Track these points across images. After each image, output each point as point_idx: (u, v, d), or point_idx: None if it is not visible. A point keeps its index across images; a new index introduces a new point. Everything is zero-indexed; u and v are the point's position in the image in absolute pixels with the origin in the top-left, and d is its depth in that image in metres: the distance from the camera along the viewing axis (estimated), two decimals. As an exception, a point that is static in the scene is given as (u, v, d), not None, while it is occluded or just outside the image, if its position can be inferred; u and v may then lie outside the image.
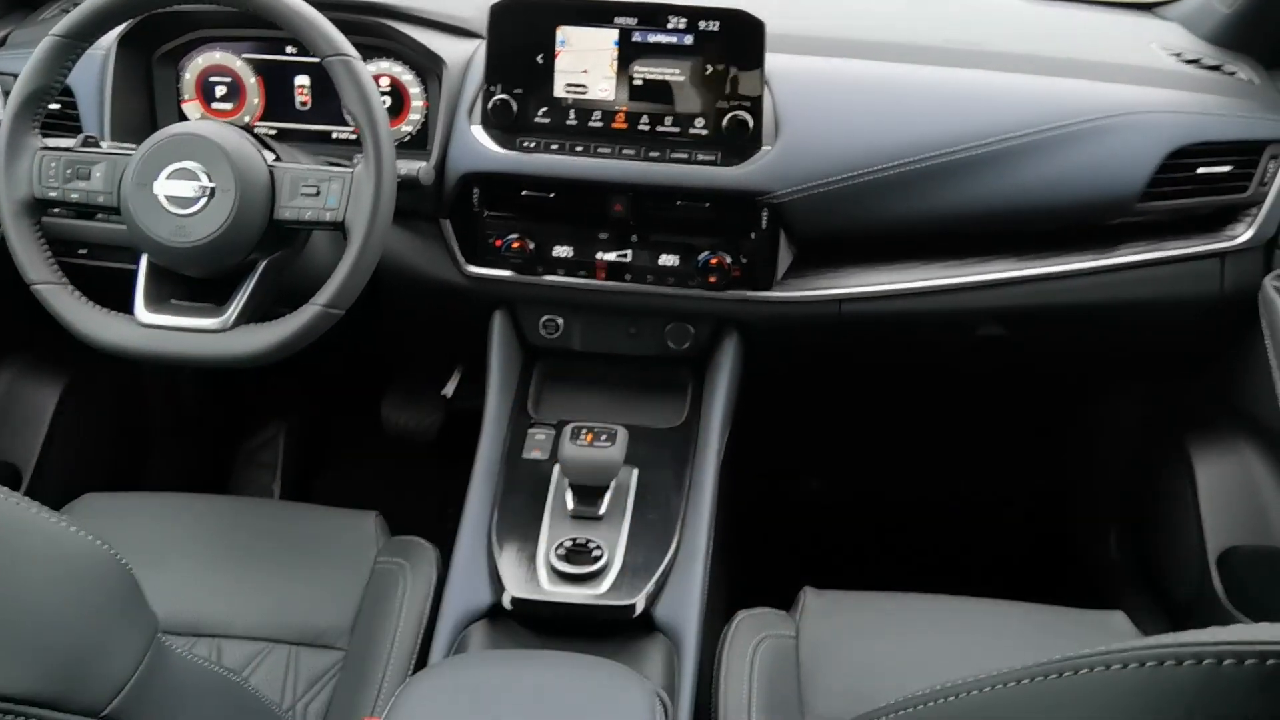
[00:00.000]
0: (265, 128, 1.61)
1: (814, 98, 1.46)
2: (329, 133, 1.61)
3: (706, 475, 1.42)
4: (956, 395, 1.99)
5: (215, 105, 1.61)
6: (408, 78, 1.57)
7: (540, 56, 1.44)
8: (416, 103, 1.58)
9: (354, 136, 1.61)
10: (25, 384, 1.71)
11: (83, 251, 1.56)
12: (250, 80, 1.59)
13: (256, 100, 1.60)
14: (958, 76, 1.50)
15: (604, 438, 1.33)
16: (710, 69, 1.41)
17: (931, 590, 1.30)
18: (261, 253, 1.30)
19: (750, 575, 1.66)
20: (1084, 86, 1.49)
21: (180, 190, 1.24)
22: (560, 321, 1.59)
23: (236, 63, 1.59)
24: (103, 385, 1.81)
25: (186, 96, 1.60)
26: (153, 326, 1.28)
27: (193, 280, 1.31)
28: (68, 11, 1.59)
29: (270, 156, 1.29)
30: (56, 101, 1.34)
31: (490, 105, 1.44)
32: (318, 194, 1.26)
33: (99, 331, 1.27)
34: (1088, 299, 1.49)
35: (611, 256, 1.49)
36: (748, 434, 1.55)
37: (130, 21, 1.49)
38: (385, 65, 1.56)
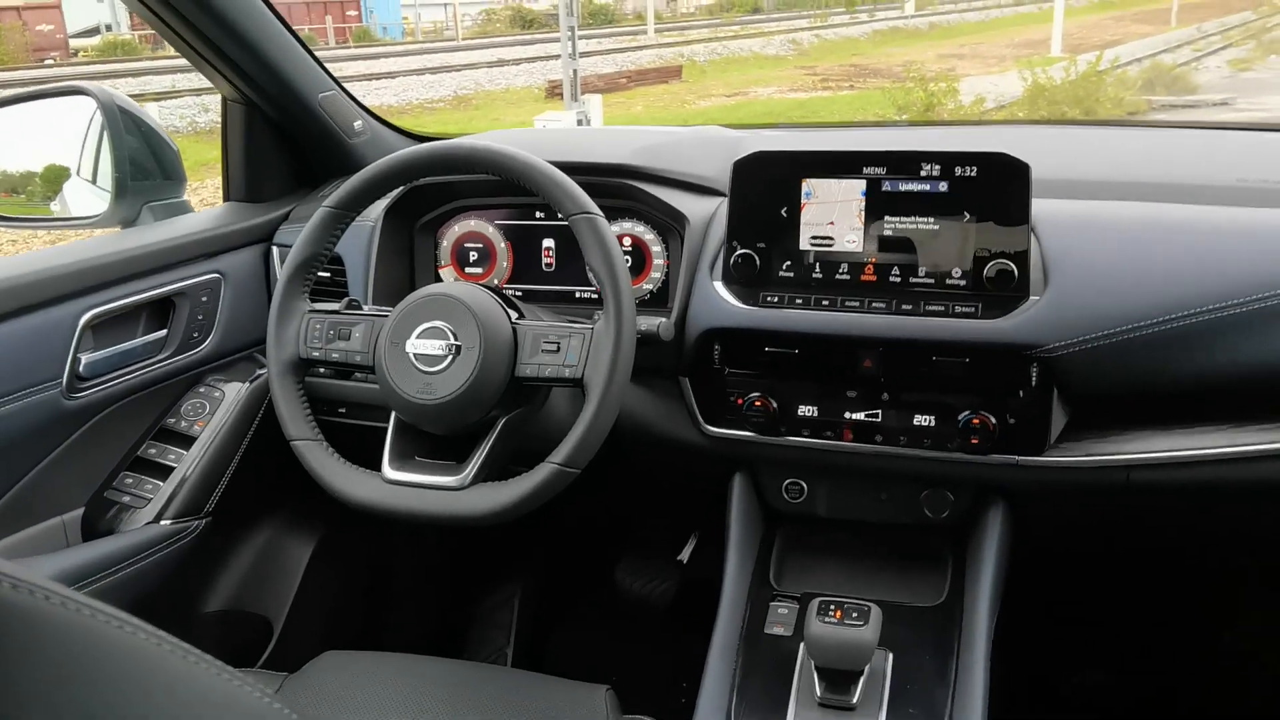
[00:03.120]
0: (513, 289, 1.64)
1: (1086, 244, 1.32)
2: (572, 292, 1.63)
3: (976, 664, 1.25)
4: (1268, 581, 1.69)
5: (468, 270, 1.66)
6: (649, 236, 1.57)
7: (785, 210, 1.39)
8: (658, 260, 1.57)
9: (596, 295, 1.62)
10: (283, 540, 1.78)
11: (342, 410, 1.62)
12: (500, 245, 1.65)
13: (505, 263, 1.65)
14: (1253, 217, 1.32)
15: (855, 615, 1.20)
16: (968, 217, 1.31)
17: None
18: (502, 410, 1.29)
19: None
20: None
21: (429, 348, 1.26)
22: (805, 485, 1.48)
23: (489, 229, 1.65)
24: (352, 543, 1.86)
25: (443, 262, 1.67)
26: (397, 483, 1.28)
27: (437, 437, 1.32)
28: None
29: (514, 315, 1.30)
30: (327, 270, 1.42)
31: (733, 261, 1.40)
32: (558, 350, 1.25)
33: (347, 487, 1.29)
34: None
35: (860, 416, 1.39)
36: (1019, 617, 1.35)
37: (396, 193, 1.58)
38: (627, 225, 1.58)
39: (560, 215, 1.27)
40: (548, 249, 1.63)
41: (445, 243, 1.67)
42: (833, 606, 1.22)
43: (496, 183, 1.55)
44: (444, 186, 1.61)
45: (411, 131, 1.95)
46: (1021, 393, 1.31)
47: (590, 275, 1.59)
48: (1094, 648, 1.93)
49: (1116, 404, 1.31)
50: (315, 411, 1.36)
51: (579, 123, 9.40)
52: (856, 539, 1.48)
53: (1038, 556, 1.41)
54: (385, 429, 1.42)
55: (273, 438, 1.42)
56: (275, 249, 1.75)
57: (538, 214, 1.63)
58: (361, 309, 1.39)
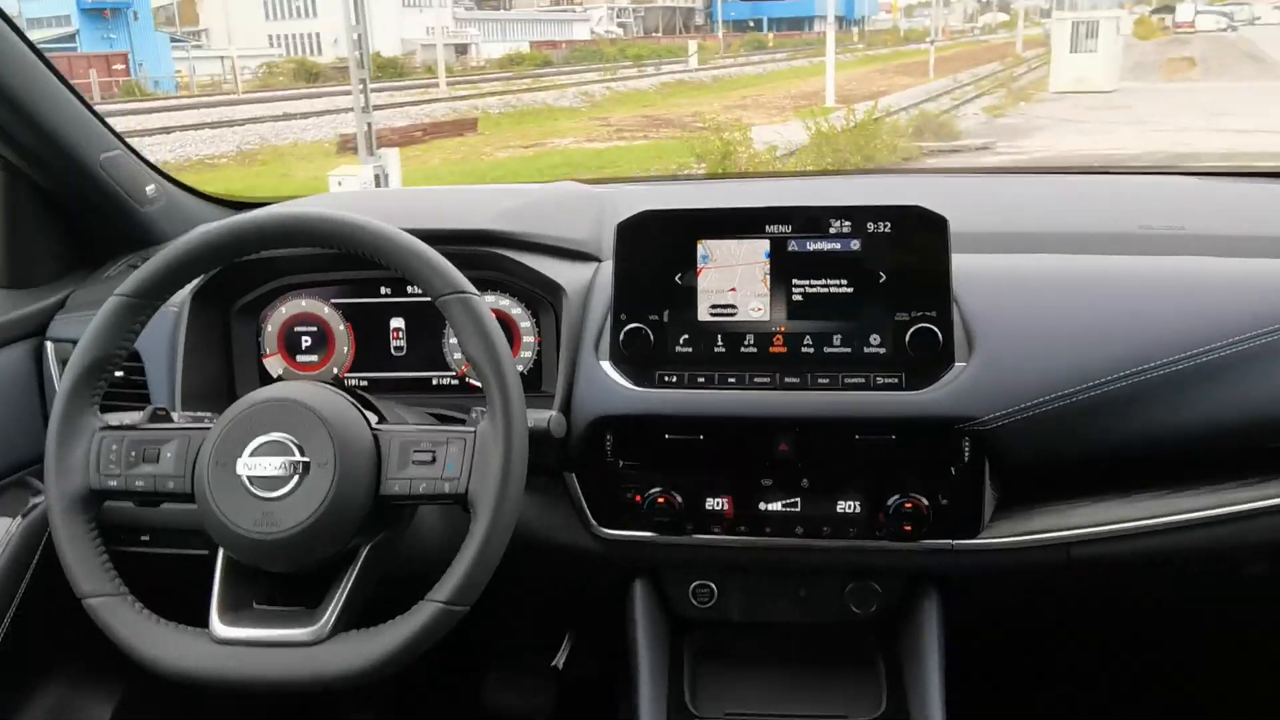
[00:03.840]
0: (356, 379, 1.40)
1: (1010, 301, 1.22)
2: (429, 379, 1.40)
3: None
4: (1216, 656, 1.62)
5: (300, 358, 1.40)
6: (516, 311, 1.37)
7: (679, 276, 1.23)
8: (527, 339, 1.37)
9: (457, 381, 1.39)
10: (75, 701, 1.43)
11: (144, 539, 1.32)
12: (339, 327, 1.40)
13: (346, 349, 1.40)
14: (1178, 266, 1.26)
15: None
16: (884, 277, 1.19)
17: None
18: (364, 537, 1.05)
19: None
20: None
21: (267, 468, 1.01)
22: (714, 587, 1.31)
23: (324, 309, 1.40)
24: (166, 700, 1.53)
25: (268, 351, 1.40)
26: (231, 642, 1.01)
27: (280, 577, 1.06)
28: (135, 267, 1.43)
29: (373, 418, 1.07)
30: (120, 368, 1.13)
31: (621, 337, 1.22)
32: (433, 461, 1.02)
33: (166, 654, 1.01)
34: None
35: (778, 506, 1.22)
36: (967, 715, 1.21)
37: (206, 275, 1.31)
38: (490, 299, 1.37)
39: (426, 295, 1.05)
40: (396, 330, 1.40)
41: (270, 328, 1.40)
42: None
43: (331, 255, 1.31)
44: (265, 262, 1.35)
45: (218, 197, 1.67)
46: (953, 470, 1.19)
47: (454, 363, 1.37)
48: None
49: (1051, 475, 1.21)
50: (109, 542, 1.07)
51: (376, 178, 9.03)
52: (775, 644, 1.32)
53: (971, 645, 1.28)
54: (203, 558, 1.15)
55: (57, 580, 1.11)
56: (50, 345, 1.43)
57: (382, 290, 1.39)
58: (170, 419, 1.11)
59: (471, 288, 1.04)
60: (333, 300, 1.40)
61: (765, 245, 1.21)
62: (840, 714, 1.21)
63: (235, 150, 14.47)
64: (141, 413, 1.11)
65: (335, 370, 1.40)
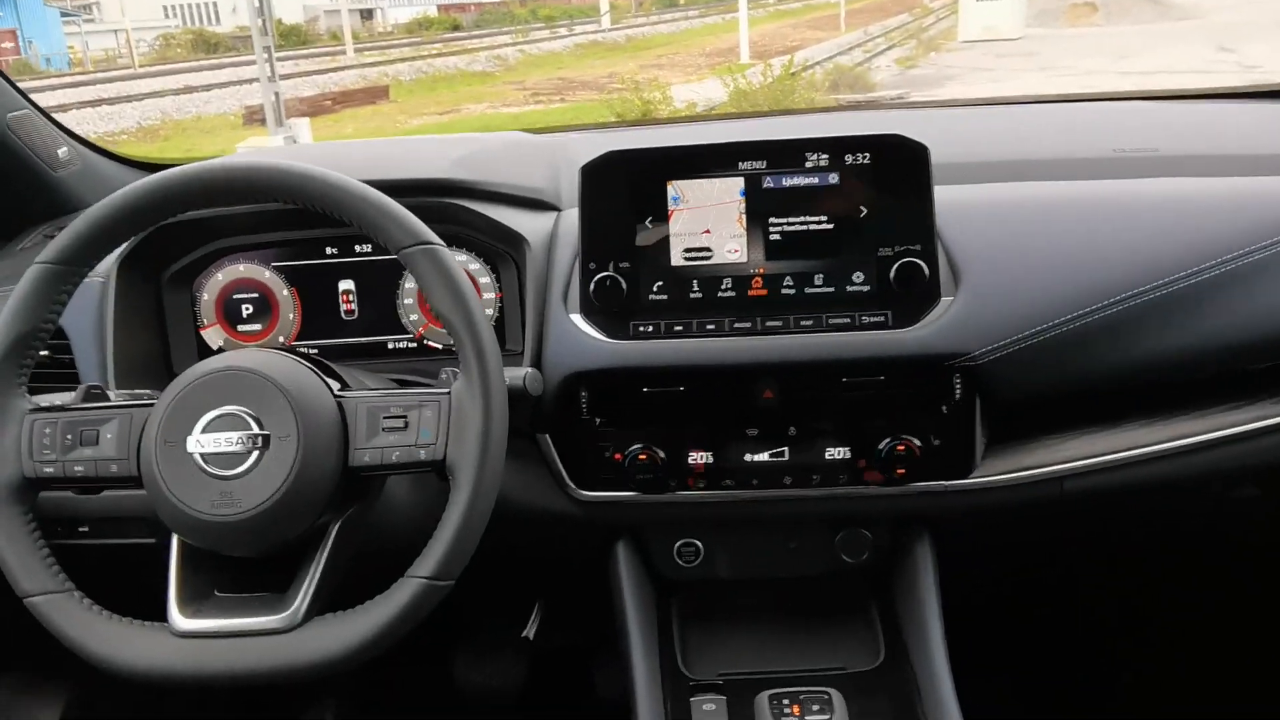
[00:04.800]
0: (305, 347, 1.30)
1: (994, 232, 1.18)
2: (383, 344, 1.31)
3: None
4: (1206, 588, 1.60)
5: (242, 328, 1.30)
6: (474, 266, 1.28)
7: (649, 220, 1.16)
8: (487, 295, 1.29)
9: (414, 344, 1.31)
10: (18, 709, 1.33)
11: (83, 530, 1.22)
12: (283, 293, 1.30)
13: (292, 316, 1.30)
14: (1162, 189, 1.23)
15: (816, 708, 0.98)
16: (864, 211, 1.13)
17: None
18: (333, 514, 0.97)
19: None
20: None
21: (223, 444, 0.92)
22: (700, 545, 1.25)
23: (265, 274, 1.30)
24: (116, 700, 1.43)
25: (205, 321, 1.30)
26: (194, 635, 0.93)
27: (241, 562, 0.97)
28: (51, 237, 1.31)
29: (335, 385, 0.98)
30: (46, 345, 1.03)
31: (592, 287, 1.15)
32: (405, 427, 0.94)
33: (122, 653, 0.92)
34: None
35: (764, 457, 1.17)
36: (964, 669, 1.18)
37: (135, 239, 1.20)
38: (447, 255, 1.28)
39: (387, 249, 0.96)
40: (346, 293, 1.30)
41: (206, 296, 1.30)
42: (786, 700, 1.00)
43: (267, 215, 1.21)
44: (196, 223, 1.25)
45: (137, 160, 1.54)
46: (944, 409, 1.15)
47: (412, 324, 1.29)
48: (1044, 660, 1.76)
49: (1041, 409, 1.18)
50: (45, 537, 0.97)
51: (290, 149, 8.73)
52: (766, 600, 1.27)
53: (964, 588, 1.25)
54: (149, 547, 1.06)
55: None
56: None
57: (328, 250, 1.30)
58: (107, 398, 1.01)
59: (435, 238, 0.95)
60: (274, 264, 1.30)
61: (739, 183, 1.15)
62: (838, 665, 1.17)
63: (135, 126, 13.86)
64: (74, 393, 1.01)
65: (281, 339, 1.30)
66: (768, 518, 1.22)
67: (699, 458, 1.18)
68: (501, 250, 1.26)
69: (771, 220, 1.15)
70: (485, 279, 1.29)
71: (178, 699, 1.56)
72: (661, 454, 1.17)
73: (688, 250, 1.16)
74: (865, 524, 1.23)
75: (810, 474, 1.17)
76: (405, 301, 1.30)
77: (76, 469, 0.95)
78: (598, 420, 1.18)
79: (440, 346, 1.31)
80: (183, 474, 0.92)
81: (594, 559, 1.26)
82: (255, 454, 0.92)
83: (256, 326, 1.30)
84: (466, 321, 0.94)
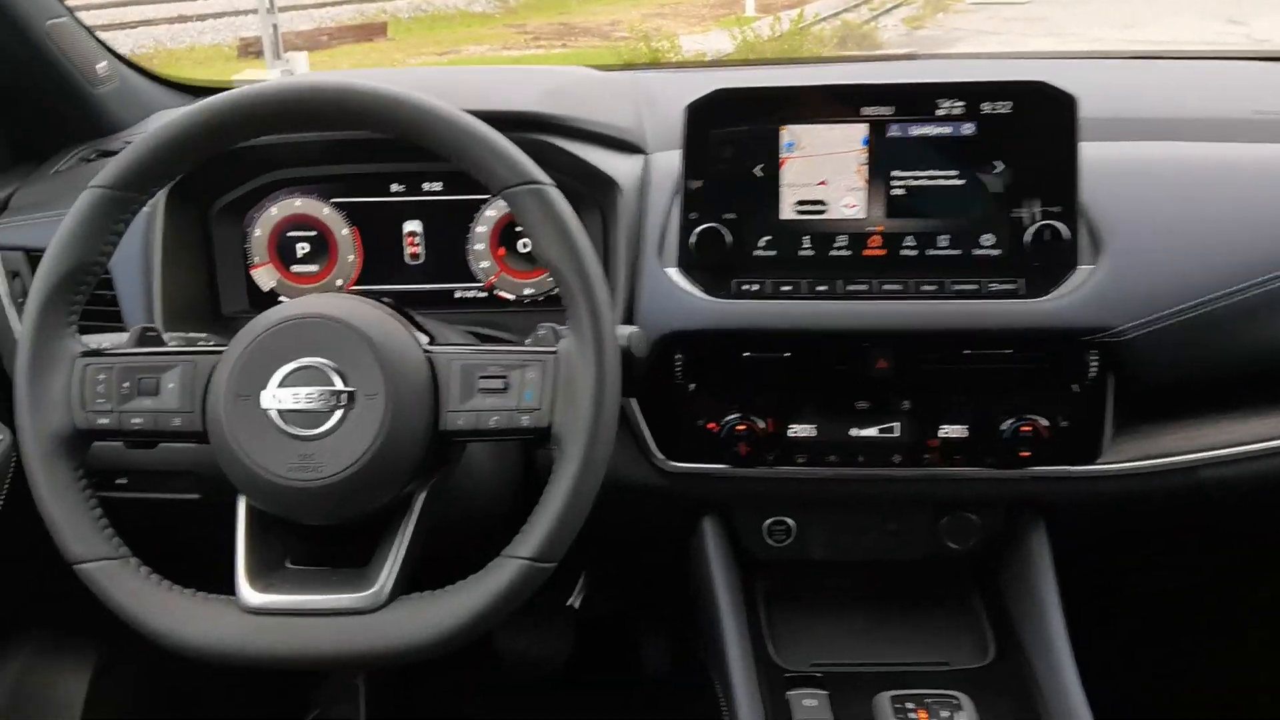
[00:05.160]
0: (364, 291, 1.19)
1: (1138, 194, 1.08)
2: (450, 292, 1.20)
3: None
4: None
5: (296, 268, 1.19)
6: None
7: (759, 168, 1.05)
8: (570, 244, 1.17)
9: (484, 294, 1.20)
10: (46, 669, 1.23)
11: (121, 482, 1.11)
12: (342, 232, 1.19)
13: (351, 257, 1.19)
14: None
15: (946, 715, 0.89)
16: (1000, 166, 1.03)
17: None
18: (419, 481, 0.87)
19: None
20: None
21: (302, 401, 0.81)
22: (792, 524, 1.16)
23: (324, 210, 1.18)
24: (146, 664, 1.33)
25: (257, 259, 1.19)
26: (267, 611, 0.83)
27: (318, 531, 0.87)
28: (91, 160, 1.19)
29: (424, 339, 0.88)
30: (99, 280, 0.91)
31: (693, 239, 1.04)
32: (506, 389, 0.84)
33: (186, 628, 0.82)
34: None
35: (873, 432, 1.08)
36: (1086, 669, 1.09)
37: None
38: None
39: (488, 187, 0.85)
40: (411, 235, 1.19)
41: (259, 231, 1.19)
42: (910, 704, 0.91)
43: (331, 145, 1.10)
44: (251, 152, 1.12)
45: (179, 82, 1.41)
46: (1076, 388, 1.05)
47: (482, 271, 1.18)
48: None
49: (1176, 391, 1.08)
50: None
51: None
52: (856, 583, 1.18)
53: (1079, 579, 1.16)
54: (190, 503, 0.97)
55: (19, 534, 0.92)
56: None
57: (393, 186, 1.18)
58: (163, 343, 0.91)
59: (546, 177, 0.84)
60: (333, 199, 1.18)
61: (862, 130, 1.04)
62: (940, 660, 1.08)
63: (129, 53, 13.54)
64: (126, 335, 0.90)
65: (340, 282, 1.19)
66: (867, 497, 1.12)
67: (802, 430, 1.08)
68: (587, 195, 1.15)
69: (895, 173, 1.04)
70: (566, 225, 1.18)
71: (200, 672, 1.46)
72: (761, 424, 1.07)
73: (800, 203, 1.05)
74: (974, 508, 1.13)
75: (922, 453, 1.07)
76: (476, 247, 1.19)
77: (134, 421, 0.84)
78: (692, 385, 1.08)
79: (512, 297, 1.20)
80: (257, 432, 0.81)
81: (677, 535, 1.17)
82: (339, 413, 0.81)
83: (312, 268, 1.19)
84: (580, 272, 0.83)
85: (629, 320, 1.07)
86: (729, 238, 1.04)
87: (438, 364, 0.85)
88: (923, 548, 1.15)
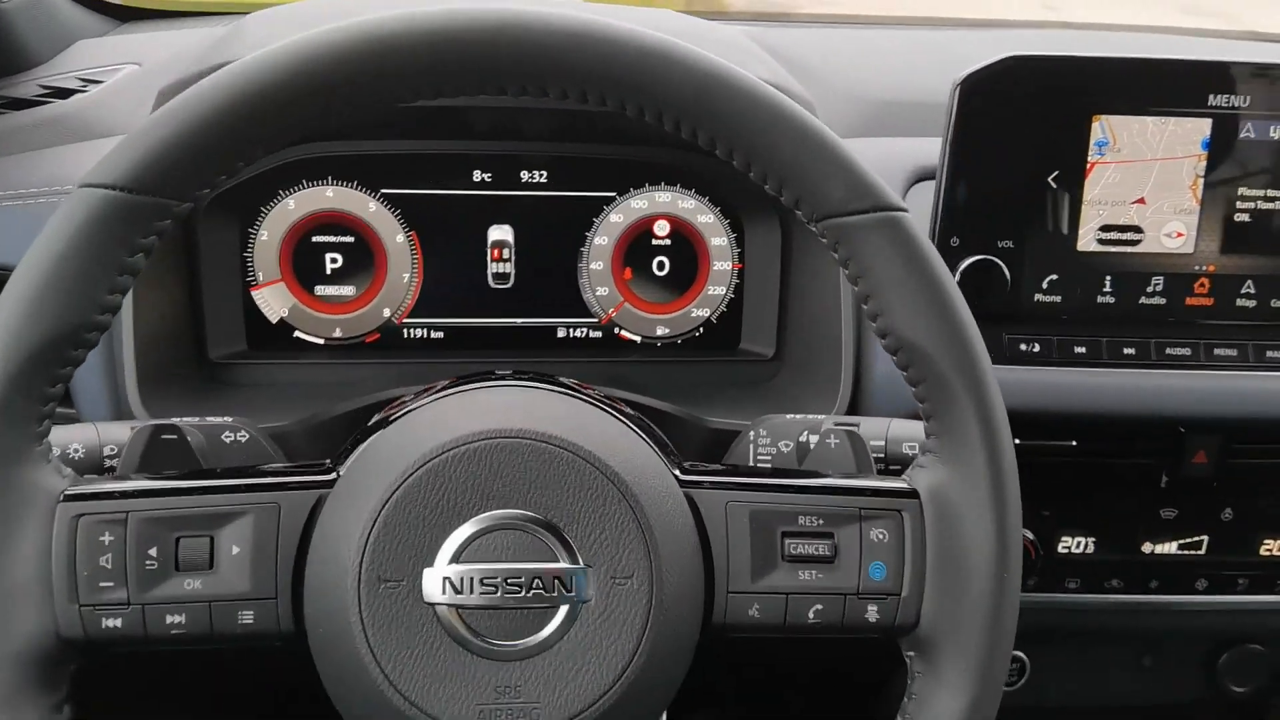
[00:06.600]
0: (423, 326, 0.81)
1: None
2: (551, 330, 0.83)
3: None
4: None
5: (321, 290, 0.79)
6: (705, 219, 0.82)
7: (1054, 176, 0.72)
8: (718, 265, 0.82)
9: (598, 334, 0.83)
10: None
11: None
12: (396, 238, 0.79)
13: (408, 276, 0.80)
14: None
15: None
16: None
17: None
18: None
19: None
20: None
21: (499, 592, 0.44)
22: (1026, 660, 0.85)
23: (369, 206, 0.78)
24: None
25: (262, 276, 0.78)
26: None
27: None
28: None
29: (675, 469, 0.51)
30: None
31: (958, 277, 0.71)
32: (834, 558, 0.49)
33: None
34: None
35: (1171, 548, 0.78)
36: None
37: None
38: (664, 198, 0.81)
39: (802, 212, 0.48)
40: (499, 245, 0.80)
41: (266, 235, 0.78)
42: None
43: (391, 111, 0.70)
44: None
45: (119, 3, 0.96)
46: None
47: (599, 302, 0.81)
48: None
49: None
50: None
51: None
52: None
53: None
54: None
55: None
56: None
57: (476, 175, 0.79)
58: (192, 452, 0.52)
59: (901, 202, 0.48)
60: (383, 190, 0.78)
61: (1204, 128, 0.72)
62: None
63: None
64: (100, 429, 0.51)
65: (386, 312, 0.80)
66: (1138, 631, 0.83)
67: (1076, 545, 0.77)
68: (752, 199, 0.80)
69: (1242, 191, 0.73)
70: (719, 240, 0.82)
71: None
72: (1030, 535, 0.75)
73: (1105, 229, 0.73)
74: (1265, 640, 0.85)
75: (1236, 577, 0.78)
76: (593, 266, 0.82)
77: (172, 619, 0.45)
78: None
79: (638, 339, 0.84)
80: (415, 644, 0.44)
81: (873, 675, 0.84)
82: (563, 610, 0.45)
83: (347, 289, 0.79)
84: (963, 358, 0.48)
85: (854, 401, 0.73)
86: (1009, 274, 0.72)
87: (707, 511, 0.49)
88: (1190, 689, 0.87)
